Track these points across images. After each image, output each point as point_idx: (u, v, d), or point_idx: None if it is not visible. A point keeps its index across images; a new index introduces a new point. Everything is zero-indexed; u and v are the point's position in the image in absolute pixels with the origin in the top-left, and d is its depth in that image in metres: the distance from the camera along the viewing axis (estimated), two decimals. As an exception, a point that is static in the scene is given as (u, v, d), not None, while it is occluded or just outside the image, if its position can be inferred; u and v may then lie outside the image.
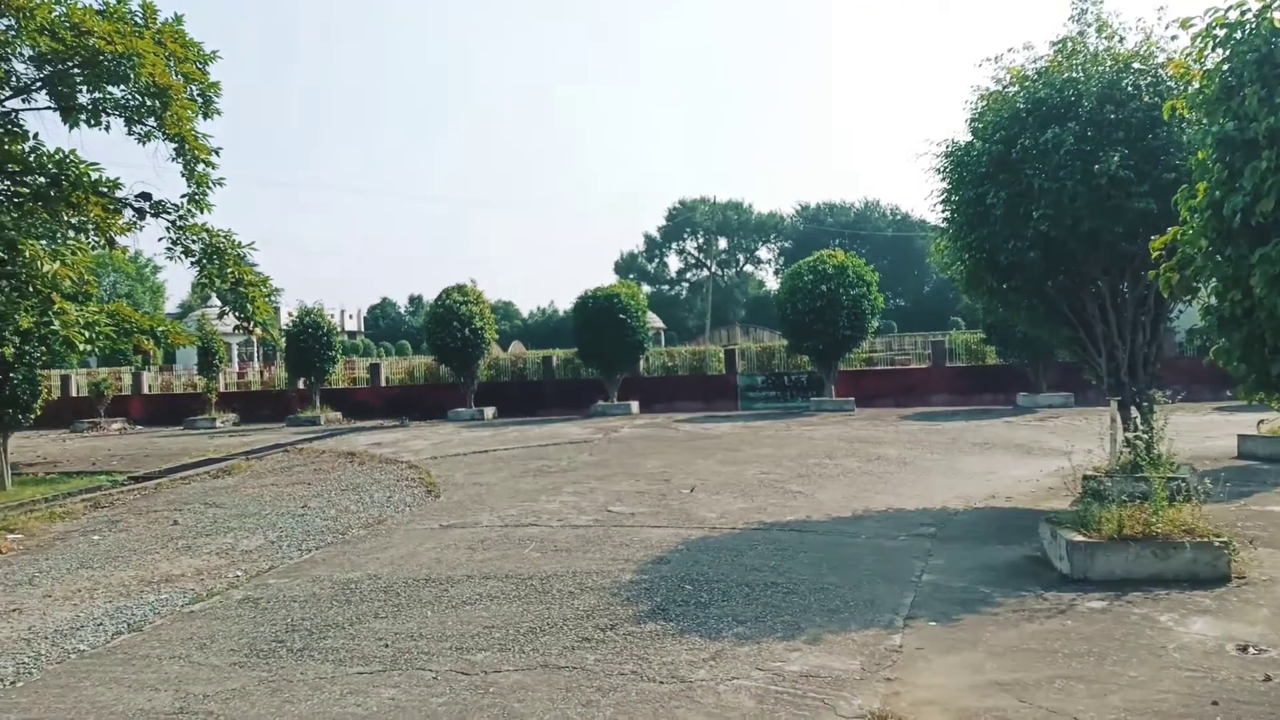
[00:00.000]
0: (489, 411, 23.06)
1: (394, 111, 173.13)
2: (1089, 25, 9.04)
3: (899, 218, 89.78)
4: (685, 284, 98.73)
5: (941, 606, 5.98)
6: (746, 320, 75.88)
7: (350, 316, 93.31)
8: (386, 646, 5.66)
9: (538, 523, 9.32)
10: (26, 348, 13.42)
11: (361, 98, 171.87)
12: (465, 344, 22.51)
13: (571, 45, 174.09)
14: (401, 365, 30.83)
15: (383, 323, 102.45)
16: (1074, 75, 8.65)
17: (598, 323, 21.71)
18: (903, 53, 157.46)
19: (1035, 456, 12.68)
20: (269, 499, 12.07)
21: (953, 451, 13.38)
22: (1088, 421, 16.31)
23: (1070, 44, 8.97)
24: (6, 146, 16.85)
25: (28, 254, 16.01)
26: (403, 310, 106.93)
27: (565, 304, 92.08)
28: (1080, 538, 6.51)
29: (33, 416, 13.83)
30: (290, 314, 31.75)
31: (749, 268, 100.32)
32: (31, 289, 15.98)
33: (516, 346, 51.64)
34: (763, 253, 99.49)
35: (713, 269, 72.41)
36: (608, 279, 29.26)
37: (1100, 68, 8.57)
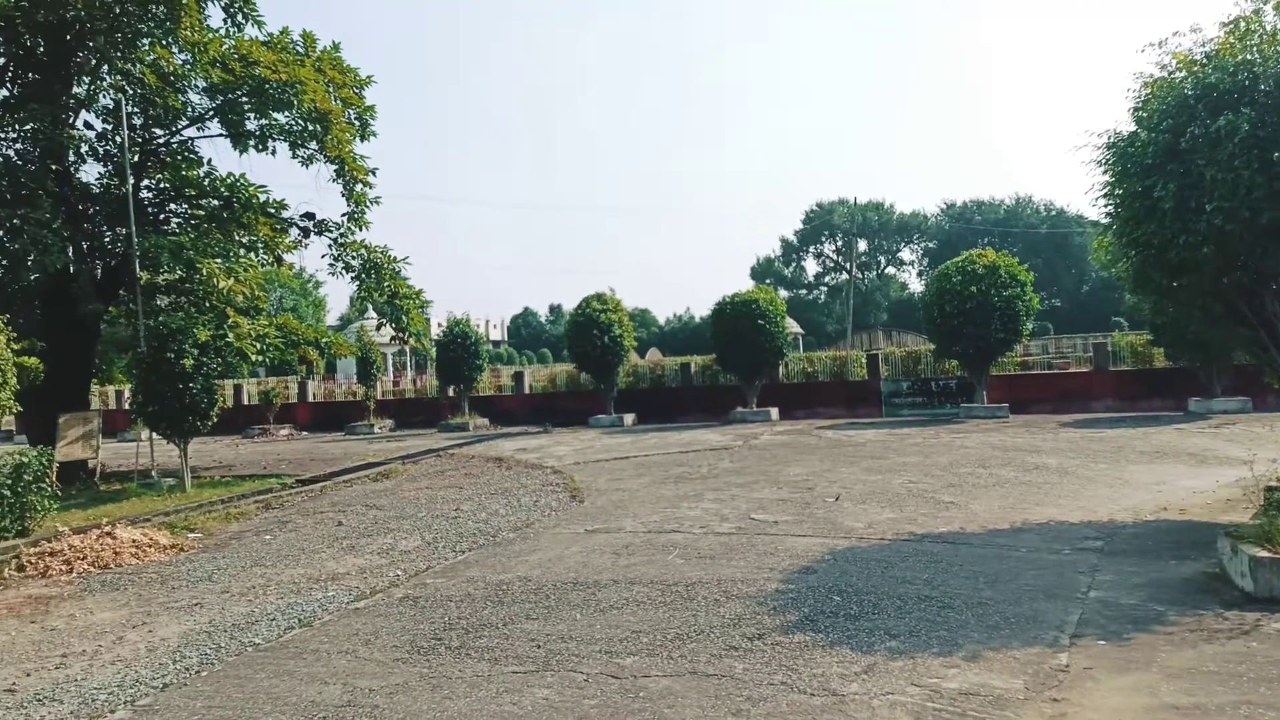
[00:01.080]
0: (628, 418, 23.33)
1: (533, 124, 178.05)
2: (1265, 2, 8.33)
3: (1053, 213, 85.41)
4: (823, 288, 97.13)
5: (1111, 625, 5.63)
6: (889, 324, 73.88)
7: (494, 326, 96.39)
8: (539, 647, 5.79)
9: (680, 529, 9.34)
10: (204, 359, 14.41)
11: (503, 112, 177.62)
12: (605, 351, 22.85)
13: (707, 49, 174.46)
14: (543, 373, 31.60)
15: (524, 331, 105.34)
16: (1248, 57, 7.98)
17: (736, 329, 21.60)
18: (1056, 39, 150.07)
19: (1211, 466, 11.78)
20: (424, 502, 12.60)
21: (1118, 461, 12.58)
22: (1269, 429, 15.10)
23: (1244, 23, 8.28)
24: (184, 172, 18.32)
25: (205, 272, 17.32)
26: (543, 319, 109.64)
27: (701, 311, 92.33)
28: (1265, 553, 6.00)
29: (210, 423, 14.80)
30: (439, 325, 33.06)
31: (890, 270, 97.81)
32: (208, 304, 17.29)
33: (653, 354, 52.07)
34: (905, 254, 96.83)
35: (852, 272, 70.94)
36: (744, 285, 29.18)
37: (1278, 48, 7.89)
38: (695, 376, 25.53)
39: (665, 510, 10.50)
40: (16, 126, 15.58)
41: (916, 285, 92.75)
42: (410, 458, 17.94)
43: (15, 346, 11.01)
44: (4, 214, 14.30)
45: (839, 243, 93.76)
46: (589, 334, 22.81)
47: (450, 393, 26.72)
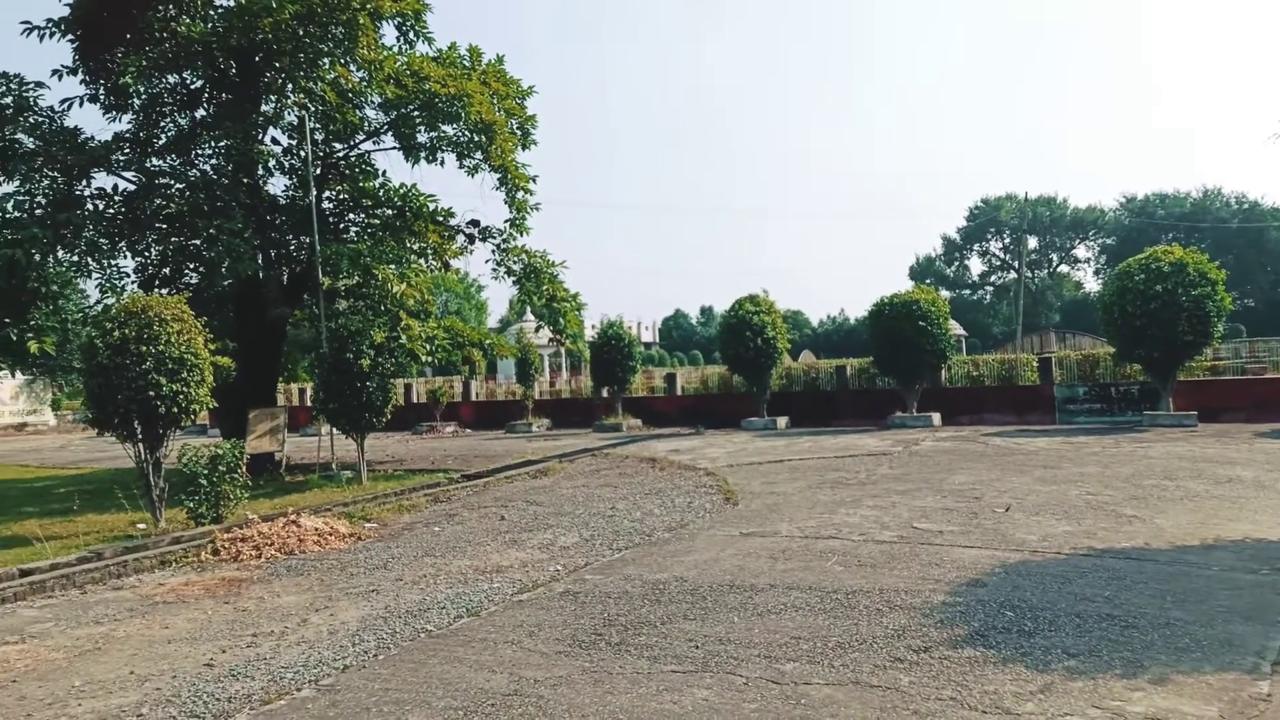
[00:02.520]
0: (781, 421, 23.03)
1: (683, 127, 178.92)
2: None
3: (1246, 206, 78.31)
4: (989, 288, 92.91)
5: (1327, 656, 5.09)
6: (1061, 325, 69.91)
7: (645, 328, 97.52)
8: (697, 648, 5.78)
9: (838, 535, 9.13)
10: (380, 359, 15.22)
11: (655, 116, 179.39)
12: (758, 353, 22.65)
13: (861, 45, 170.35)
14: (695, 375, 31.66)
15: (675, 334, 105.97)
16: None
17: (895, 330, 20.94)
18: (1242, 20, 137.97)
19: None
20: (581, 499, 12.85)
21: (1330, 475, 11.40)
22: None
23: None
24: (361, 184, 19.44)
25: (380, 277, 18.33)
26: (694, 321, 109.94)
27: (856, 312, 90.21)
28: None
29: (384, 420, 15.64)
30: (593, 327, 33.70)
31: (1063, 268, 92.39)
32: (383, 308, 18.26)
33: (806, 356, 51.24)
34: (1080, 251, 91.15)
35: (1021, 270, 67.37)
36: (902, 285, 28.23)
37: None
38: (851, 380, 24.93)
39: (822, 516, 10.29)
40: (213, 144, 16.97)
41: (1092, 284, 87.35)
42: (567, 456, 18.35)
43: (212, 347, 11.94)
44: (202, 224, 15.57)
45: (1006, 240, 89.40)
46: (741, 336, 22.67)
47: (604, 394, 27.18)
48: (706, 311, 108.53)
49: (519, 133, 19.31)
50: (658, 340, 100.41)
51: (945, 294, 56.63)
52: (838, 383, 25.13)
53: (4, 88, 15.99)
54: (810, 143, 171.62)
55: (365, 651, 6.18)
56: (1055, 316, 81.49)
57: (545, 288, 19.68)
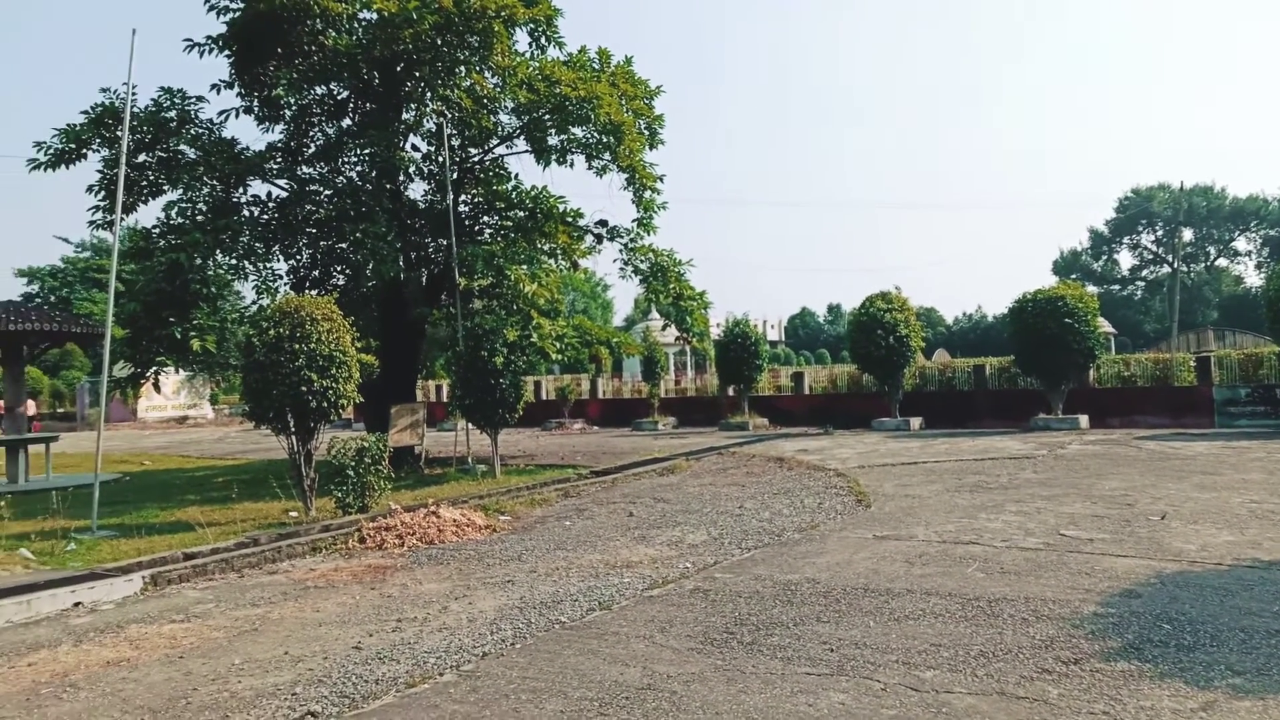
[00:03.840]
0: (914, 422, 22.39)
1: (806, 121, 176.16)
2: None
3: None
4: (1140, 283, 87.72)
5: None
6: (1220, 323, 65.29)
7: (771, 326, 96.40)
8: (831, 651, 5.68)
9: (978, 541, 8.79)
10: (513, 357, 15.64)
11: (775, 113, 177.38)
12: (889, 352, 22.09)
13: (1000, 21, 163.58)
14: (823, 374, 31.14)
15: (802, 332, 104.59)
16: None
17: (1038, 328, 20.02)
18: None
19: None
20: (708, 498, 12.84)
21: None
22: None
23: None
24: (495, 187, 19.99)
25: (513, 277, 18.80)
26: (821, 319, 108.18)
27: (993, 309, 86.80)
28: None
29: (516, 416, 16.06)
30: (717, 325, 33.60)
31: (1222, 261, 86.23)
32: (515, 307, 18.73)
33: (941, 355, 49.66)
34: (1240, 243, 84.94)
35: (1175, 265, 63.22)
36: (1044, 281, 26.92)
37: None
38: (990, 379, 23.98)
39: (960, 520, 9.94)
40: (358, 151, 17.81)
41: (1254, 279, 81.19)
42: (693, 454, 18.36)
43: (358, 345, 12.52)
44: (349, 228, 16.35)
45: (1159, 232, 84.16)
46: (872, 334, 22.15)
47: (730, 392, 27.07)
48: (834, 309, 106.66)
49: (646, 132, 19.46)
50: (783, 339, 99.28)
51: (1092, 289, 53.84)
52: (975, 383, 24.23)
53: (169, 102, 17.25)
54: (942, 133, 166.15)
55: (503, 640, 6.35)
56: (1213, 313, 76.18)
57: (672, 286, 19.76)
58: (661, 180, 19.40)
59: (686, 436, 23.37)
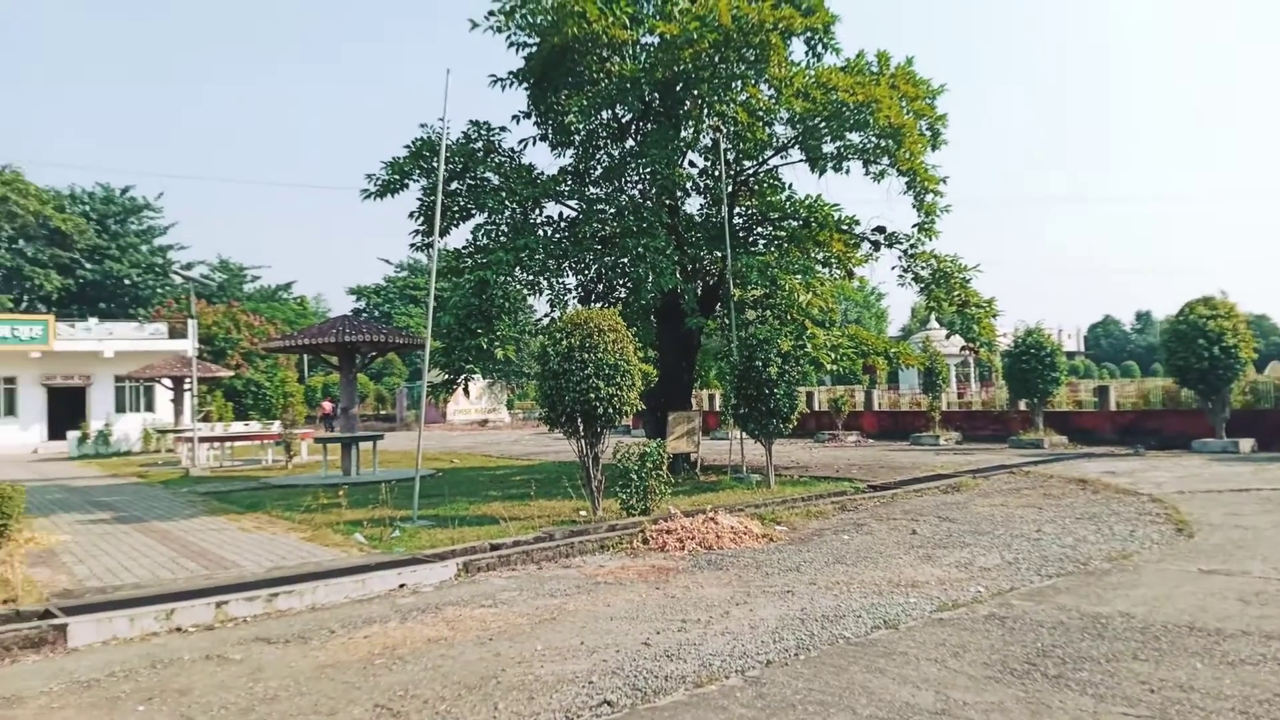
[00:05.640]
0: (1245, 444, 19.71)
1: (1100, 110, 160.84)
2: None
3: None
4: None
5: None
6: None
7: (1068, 336, 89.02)
8: (1152, 692, 5.12)
9: (1336, 582, 7.56)
10: (786, 367, 15.57)
11: (1060, 102, 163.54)
12: (1213, 365, 19.61)
13: None
14: (1131, 388, 28.25)
15: (1104, 342, 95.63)
16: None
17: None
18: None
19: None
20: (999, 519, 12.05)
21: None
22: None
23: None
24: (769, 198, 20.03)
25: (787, 287, 18.77)
26: (1127, 328, 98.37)
27: (1347, 316, 74.58)
28: None
29: (790, 426, 15.96)
30: (1004, 334, 31.53)
31: None
32: (789, 317, 18.69)
33: (1276, 368, 43.53)
34: None
35: None
36: None
37: None
38: (1343, 396, 20.59)
39: (1310, 556, 8.60)
40: (639, 170, 18.59)
41: None
42: (980, 472, 17.33)
43: (638, 355, 13.05)
44: (630, 243, 17.09)
45: None
46: (1193, 344, 19.78)
47: (1021, 406, 25.29)
48: (1143, 317, 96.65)
49: (928, 134, 18.67)
50: (1083, 349, 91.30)
51: None
52: (1323, 400, 20.90)
53: (476, 134, 18.96)
54: (1245, 119, 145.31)
55: (785, 649, 6.32)
56: None
57: (956, 293, 18.79)
58: (945, 182, 18.53)
59: (971, 453, 22.10)
